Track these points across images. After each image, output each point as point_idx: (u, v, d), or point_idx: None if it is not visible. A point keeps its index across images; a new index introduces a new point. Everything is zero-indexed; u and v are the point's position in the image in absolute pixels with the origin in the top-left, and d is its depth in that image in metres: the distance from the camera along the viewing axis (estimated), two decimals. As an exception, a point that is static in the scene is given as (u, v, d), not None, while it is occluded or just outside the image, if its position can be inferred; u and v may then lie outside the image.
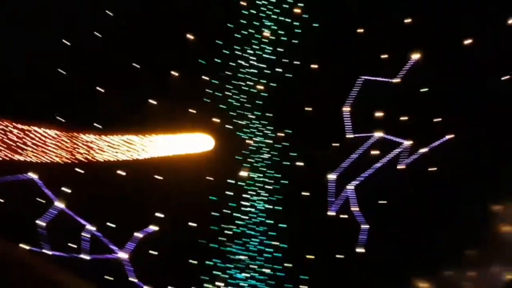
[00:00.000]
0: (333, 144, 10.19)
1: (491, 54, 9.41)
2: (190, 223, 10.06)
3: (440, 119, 9.72)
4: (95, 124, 10.05)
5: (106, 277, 9.47)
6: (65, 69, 10.00)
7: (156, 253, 9.72)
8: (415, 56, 9.91)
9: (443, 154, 9.70)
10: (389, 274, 9.47)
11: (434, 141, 9.75)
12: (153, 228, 9.89)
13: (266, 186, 10.24)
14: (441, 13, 9.59)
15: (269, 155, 10.36)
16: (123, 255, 9.76)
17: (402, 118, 9.95)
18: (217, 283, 9.95)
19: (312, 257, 9.68)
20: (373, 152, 10.05)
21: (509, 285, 8.40)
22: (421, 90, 9.86)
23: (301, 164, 10.22)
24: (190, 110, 10.36)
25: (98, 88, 10.01)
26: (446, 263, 9.23)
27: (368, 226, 9.74)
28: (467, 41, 9.65)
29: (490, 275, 8.81)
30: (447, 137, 9.69)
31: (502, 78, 9.43)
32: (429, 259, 9.29)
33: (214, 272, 9.95)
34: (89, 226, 9.72)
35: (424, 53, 9.89)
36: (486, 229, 9.17)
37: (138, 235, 9.81)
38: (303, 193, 10.02)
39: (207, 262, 9.91)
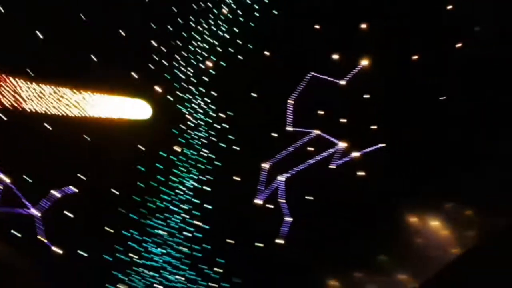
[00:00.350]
0: (272, 134, 10.20)
1: (435, 73, 9.80)
2: (112, 190, 9.68)
3: (376, 127, 9.99)
4: (27, 70, 9.39)
5: (13, 231, 8.90)
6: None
7: (71, 215, 9.26)
8: (364, 62, 10.13)
9: (374, 160, 9.99)
10: (302, 269, 9.62)
11: (367, 147, 10.02)
12: (72, 189, 9.41)
13: (198, 165, 10.07)
14: (398, 23, 9.86)
15: (207, 134, 10.20)
16: (35, 212, 9.22)
17: (341, 120, 10.14)
18: (130, 255, 9.66)
19: (232, 241, 9.64)
20: (308, 148, 10.17)
21: None
22: (364, 96, 10.11)
23: (237, 148, 10.14)
24: (133, 74, 9.96)
25: (38, 32, 9.35)
26: (358, 265, 9.52)
27: (291, 219, 9.83)
28: (415, 57, 9.99)
29: (396, 282, 9.19)
30: (380, 145, 9.99)
31: (440, 98, 9.86)
32: (342, 259, 9.54)
33: (130, 243, 9.64)
34: (3, 176, 9.09)
35: (373, 60, 10.13)
36: (401, 238, 9.56)
37: (56, 194, 9.31)
38: (234, 178, 9.95)
39: (123, 232, 9.59)
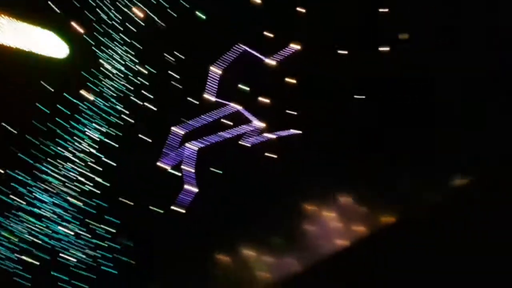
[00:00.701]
0: (190, 99, 9.82)
1: (359, 71, 9.92)
2: (5, 125, 8.84)
3: (296, 113, 9.97)
4: None
5: None
6: None
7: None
8: (297, 46, 10.02)
9: (287, 145, 9.98)
10: (195, 241, 9.45)
11: (284, 130, 9.98)
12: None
13: (104, 115, 9.46)
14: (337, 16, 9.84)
15: (123, 87, 9.59)
16: None
17: (263, 99, 9.99)
18: (13, 197, 8.93)
19: (131, 203, 9.22)
20: (224, 121, 9.93)
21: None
22: (289, 79, 10.02)
23: (151, 107, 9.66)
24: (52, 5, 9.09)
25: None
26: (250, 244, 9.52)
27: (195, 190, 9.59)
28: (342, 52, 10.05)
29: (283, 264, 9.31)
30: (295, 131, 9.99)
31: (357, 97, 10.00)
32: (237, 236, 9.49)
33: (14, 184, 8.89)
34: None
35: (304, 46, 10.05)
36: (296, 224, 9.67)
37: None
38: (141, 135, 9.48)
39: (8, 172, 8.82)
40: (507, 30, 9.57)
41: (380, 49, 9.90)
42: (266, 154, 9.99)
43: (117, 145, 9.45)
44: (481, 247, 7.72)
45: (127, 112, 9.54)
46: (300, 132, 10.02)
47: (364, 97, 9.99)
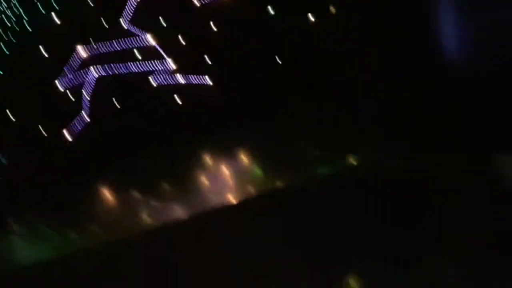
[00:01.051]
0: (103, 22, 9.12)
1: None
2: None
3: (212, 62, 9.50)
4: None
5: None
6: None
7: None
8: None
9: (195, 93, 9.53)
10: (77, 173, 8.95)
11: (195, 76, 9.51)
12: None
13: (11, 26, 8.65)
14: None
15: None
16: None
17: (182, 41, 9.42)
18: None
19: (15, 120, 8.56)
20: (135, 52, 9.32)
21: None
22: (214, 27, 9.47)
23: (59, 23, 8.91)
24: None
25: None
26: (137, 184, 9.14)
27: (88, 119, 9.03)
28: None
29: (169, 208, 8.98)
30: (208, 80, 9.53)
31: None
32: (119, 178, 9.08)
33: None
34: None
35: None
36: (189, 173, 9.31)
37: None
38: (44, 53, 8.75)
39: None
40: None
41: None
42: (172, 97, 9.50)
43: (8, 54, 8.68)
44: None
45: (30, 29, 8.76)
46: (212, 83, 9.55)
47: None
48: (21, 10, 8.97)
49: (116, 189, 9.26)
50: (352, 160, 8.24)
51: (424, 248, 6.41)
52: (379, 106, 8.63)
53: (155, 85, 9.40)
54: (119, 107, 9.30)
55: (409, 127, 8.09)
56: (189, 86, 9.57)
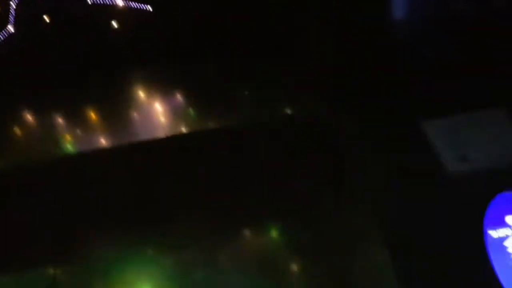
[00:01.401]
0: None
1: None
2: None
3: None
4: None
5: None
6: None
7: None
8: None
9: (136, 19, 9.03)
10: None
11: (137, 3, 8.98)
12: None
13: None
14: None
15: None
16: None
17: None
18: None
19: None
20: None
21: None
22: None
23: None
24: None
25: None
26: (59, 109, 8.74)
27: (13, 30, 8.45)
28: None
29: (94, 136, 8.66)
30: (148, 7, 9.01)
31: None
32: (43, 99, 8.63)
33: None
34: None
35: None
36: (120, 103, 8.94)
37: None
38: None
39: None
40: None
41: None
42: (111, 22, 8.98)
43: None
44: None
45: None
46: (152, 10, 9.05)
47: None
48: None
49: (40, 115, 8.88)
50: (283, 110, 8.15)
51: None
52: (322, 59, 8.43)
53: (89, 3, 8.89)
54: (47, 21, 8.76)
55: (347, 85, 7.96)
56: (127, 9, 9.09)
